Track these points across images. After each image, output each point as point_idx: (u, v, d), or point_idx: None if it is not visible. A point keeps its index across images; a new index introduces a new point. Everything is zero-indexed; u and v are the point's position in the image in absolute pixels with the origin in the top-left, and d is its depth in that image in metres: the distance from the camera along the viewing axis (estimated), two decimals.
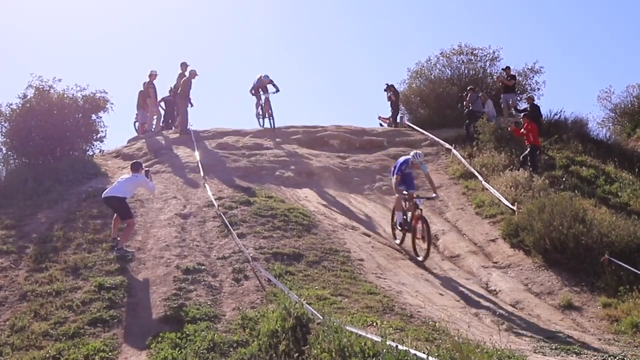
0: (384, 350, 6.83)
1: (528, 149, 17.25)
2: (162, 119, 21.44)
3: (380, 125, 24.30)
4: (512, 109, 21.90)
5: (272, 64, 66.92)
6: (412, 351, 6.69)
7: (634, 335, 9.95)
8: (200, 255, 11.48)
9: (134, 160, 13.61)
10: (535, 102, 19.62)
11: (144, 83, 20.60)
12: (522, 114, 18.91)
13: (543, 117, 19.92)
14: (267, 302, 9.59)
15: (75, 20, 64.28)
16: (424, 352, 6.65)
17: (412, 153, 13.22)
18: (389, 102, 23.82)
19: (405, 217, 13.00)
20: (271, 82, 20.61)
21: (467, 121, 20.30)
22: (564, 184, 16.00)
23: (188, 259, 11.25)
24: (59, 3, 62.42)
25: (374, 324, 8.61)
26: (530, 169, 16.75)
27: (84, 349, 8.54)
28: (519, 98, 23.22)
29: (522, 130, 17.47)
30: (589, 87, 62.57)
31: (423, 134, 21.08)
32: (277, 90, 20.53)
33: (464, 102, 20.89)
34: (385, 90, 23.74)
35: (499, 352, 7.41)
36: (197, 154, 17.34)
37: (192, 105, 20.14)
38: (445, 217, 15.60)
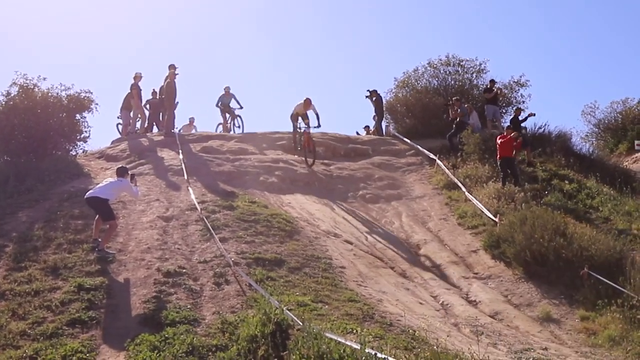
0: (363, 358, 6.86)
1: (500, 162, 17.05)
2: (147, 121, 21.37)
3: (357, 133, 24.33)
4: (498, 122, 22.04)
5: (259, 70, 67.00)
6: (391, 359, 6.72)
7: (610, 349, 10.03)
8: (182, 258, 11.44)
9: (120, 165, 13.59)
10: (519, 117, 19.77)
11: (131, 85, 20.52)
12: (510, 125, 18.93)
13: (525, 129, 20.02)
14: (248, 307, 9.59)
15: (61, 20, 63.97)
16: None
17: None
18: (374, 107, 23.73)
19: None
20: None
21: (452, 132, 20.29)
22: (545, 197, 16.11)
23: (169, 262, 11.20)
24: (45, 2, 62.06)
25: (354, 331, 8.65)
26: (513, 181, 16.75)
27: (61, 350, 8.48)
28: (503, 111, 23.39)
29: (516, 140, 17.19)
30: (573, 101, 63.22)
31: (408, 143, 21.15)
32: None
33: (452, 113, 20.76)
34: (367, 97, 23.56)
35: None
36: (181, 156, 17.29)
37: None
38: (428, 227, 15.64)
